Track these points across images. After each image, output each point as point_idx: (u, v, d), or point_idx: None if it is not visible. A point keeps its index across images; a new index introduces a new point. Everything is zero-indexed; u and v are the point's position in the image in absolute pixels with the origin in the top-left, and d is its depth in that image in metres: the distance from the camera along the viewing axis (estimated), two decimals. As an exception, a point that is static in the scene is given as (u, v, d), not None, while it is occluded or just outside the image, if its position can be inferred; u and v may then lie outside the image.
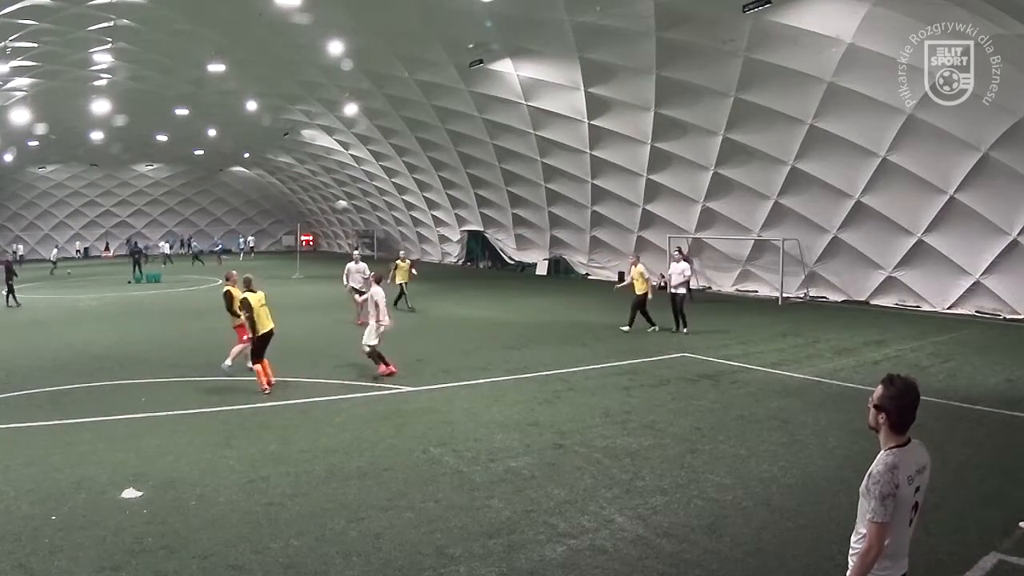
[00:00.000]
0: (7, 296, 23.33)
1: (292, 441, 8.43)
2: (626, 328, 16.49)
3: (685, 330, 16.17)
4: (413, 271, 22.10)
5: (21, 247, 52.16)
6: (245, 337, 11.58)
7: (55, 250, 46.23)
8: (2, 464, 7.57)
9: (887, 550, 3.19)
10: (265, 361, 11.00)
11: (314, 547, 5.67)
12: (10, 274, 23.82)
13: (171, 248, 58.70)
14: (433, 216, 42.31)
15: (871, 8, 15.63)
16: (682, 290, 16.60)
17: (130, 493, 6.75)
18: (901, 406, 3.16)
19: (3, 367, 12.98)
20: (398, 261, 21.96)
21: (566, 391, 10.97)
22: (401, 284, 21.32)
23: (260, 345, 10.96)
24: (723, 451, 8.03)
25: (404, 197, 42.78)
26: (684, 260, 17.30)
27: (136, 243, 41.10)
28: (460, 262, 41.26)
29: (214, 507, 6.46)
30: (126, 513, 6.33)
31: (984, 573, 5.22)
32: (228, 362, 11.85)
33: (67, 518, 6.20)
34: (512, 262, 36.75)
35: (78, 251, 55.01)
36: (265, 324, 11.03)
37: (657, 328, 16.36)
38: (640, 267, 16.71)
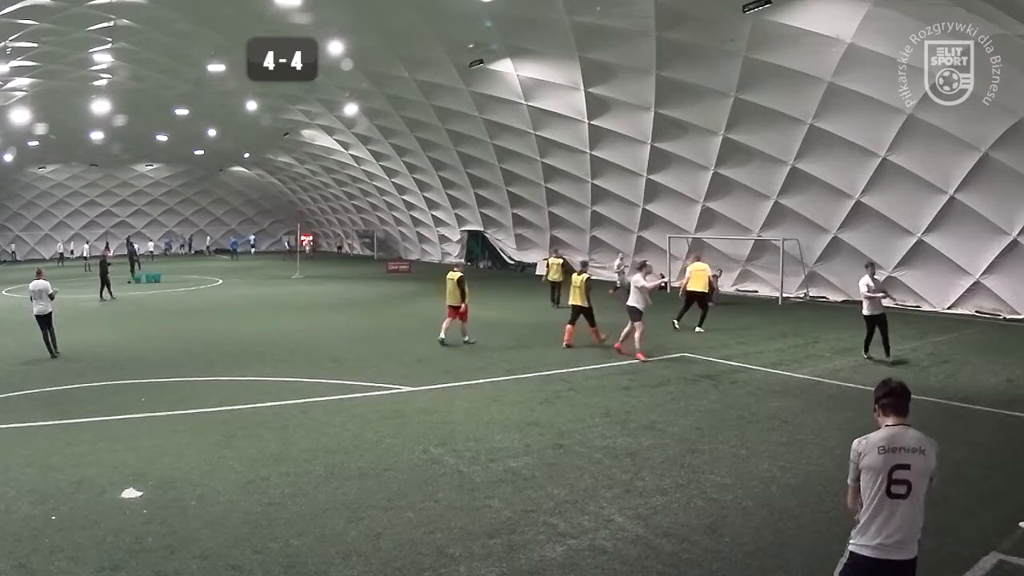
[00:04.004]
0: (102, 289, 24.71)
1: (292, 441, 8.43)
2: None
3: None
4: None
5: (64, 246, 51.77)
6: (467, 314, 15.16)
7: (86, 246, 48.01)
8: (2, 464, 7.58)
9: (861, 518, 3.68)
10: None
11: (314, 547, 5.67)
12: (105, 268, 24.44)
13: (169, 248, 58.69)
14: (433, 216, 42.31)
15: (871, 8, 15.63)
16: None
17: (130, 493, 6.76)
18: (876, 395, 3.88)
19: (3, 367, 13.00)
20: (550, 258, 22.57)
21: (566, 391, 10.97)
22: (552, 282, 21.59)
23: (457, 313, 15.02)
24: (723, 451, 8.03)
25: (404, 197, 42.77)
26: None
27: (132, 243, 41.34)
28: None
29: (214, 507, 6.46)
30: (126, 513, 6.34)
31: (984, 573, 5.22)
32: (467, 336, 15.05)
33: (67, 518, 6.21)
34: (512, 262, 36.74)
35: (73, 251, 51.72)
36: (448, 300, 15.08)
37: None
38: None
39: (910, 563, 3.65)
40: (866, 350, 13.26)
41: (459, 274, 15.13)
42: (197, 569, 5.30)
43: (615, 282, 24.65)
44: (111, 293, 24.88)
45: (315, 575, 5.26)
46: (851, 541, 3.73)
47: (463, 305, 15.00)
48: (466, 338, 15.12)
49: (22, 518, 6.21)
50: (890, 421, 3.75)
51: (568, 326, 14.83)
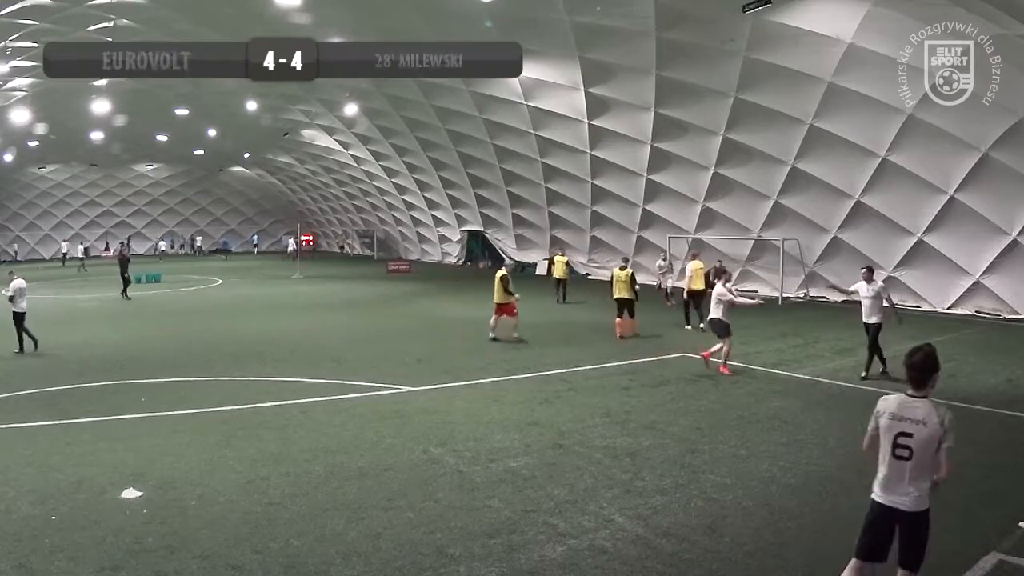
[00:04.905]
0: (125, 288, 24.94)
1: (292, 441, 8.43)
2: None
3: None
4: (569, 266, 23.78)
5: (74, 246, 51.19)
6: (515, 311, 15.72)
7: (81, 247, 48.16)
8: (2, 464, 7.57)
9: (878, 474, 4.26)
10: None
11: (314, 547, 5.67)
12: (124, 267, 24.45)
13: (172, 247, 58.69)
14: (433, 216, 42.31)
15: (871, 8, 15.63)
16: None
17: (130, 493, 6.76)
18: (904, 362, 4.31)
19: (3, 367, 13.00)
20: (555, 257, 24.14)
21: (566, 391, 10.97)
22: (557, 280, 23.02)
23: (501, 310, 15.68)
24: (723, 451, 8.03)
25: (404, 197, 42.77)
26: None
27: (128, 244, 41.48)
28: (460, 262, 41.25)
29: (214, 507, 6.46)
30: (126, 513, 6.34)
31: (984, 573, 5.22)
32: (491, 334, 15.47)
33: (67, 518, 6.21)
34: (512, 262, 36.72)
35: (68, 252, 50.30)
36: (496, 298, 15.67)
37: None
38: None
39: (916, 515, 4.13)
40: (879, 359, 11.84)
41: (502, 272, 15.93)
42: (197, 569, 5.30)
43: (664, 289, 22.34)
44: (125, 293, 25.01)
45: (315, 575, 5.26)
46: (872, 489, 4.30)
47: (510, 302, 15.66)
48: (516, 334, 15.59)
49: (22, 518, 6.21)
50: (910, 391, 4.26)
51: (618, 320, 15.87)
